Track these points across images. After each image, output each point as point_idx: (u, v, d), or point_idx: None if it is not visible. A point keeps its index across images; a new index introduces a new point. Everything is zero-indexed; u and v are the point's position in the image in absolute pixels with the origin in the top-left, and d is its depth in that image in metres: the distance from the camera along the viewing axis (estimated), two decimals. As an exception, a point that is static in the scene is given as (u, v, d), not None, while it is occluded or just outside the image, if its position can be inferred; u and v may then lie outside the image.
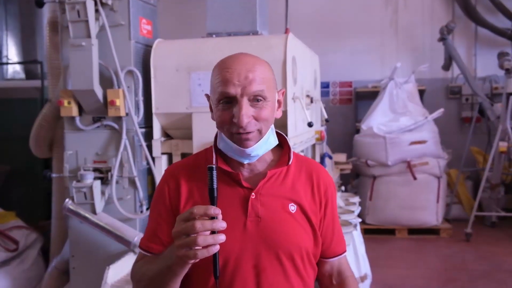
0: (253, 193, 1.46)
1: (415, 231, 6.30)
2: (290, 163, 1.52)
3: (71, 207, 3.24)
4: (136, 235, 3.17)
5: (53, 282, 3.67)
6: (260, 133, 1.42)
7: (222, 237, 1.22)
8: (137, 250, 3.12)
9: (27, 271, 3.93)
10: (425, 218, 6.27)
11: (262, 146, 1.44)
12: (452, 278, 4.84)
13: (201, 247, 1.20)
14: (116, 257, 3.13)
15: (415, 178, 6.19)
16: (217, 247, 1.22)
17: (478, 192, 6.20)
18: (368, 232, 6.24)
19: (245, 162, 1.46)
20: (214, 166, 1.27)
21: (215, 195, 1.27)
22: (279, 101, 1.52)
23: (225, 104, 1.40)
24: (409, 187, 6.24)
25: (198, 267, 1.36)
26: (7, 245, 3.85)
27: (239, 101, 1.38)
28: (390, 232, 6.34)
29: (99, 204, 3.25)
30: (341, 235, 1.66)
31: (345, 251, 1.66)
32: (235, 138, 1.41)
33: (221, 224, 1.22)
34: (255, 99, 1.40)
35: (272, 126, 1.47)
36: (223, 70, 1.40)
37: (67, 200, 3.26)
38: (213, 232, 1.22)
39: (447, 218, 6.63)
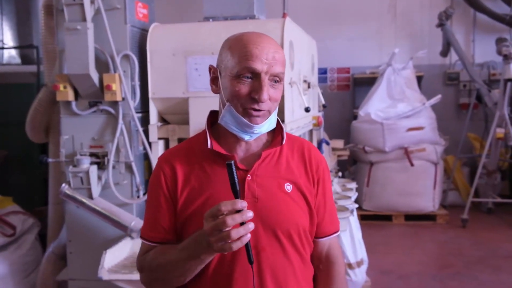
0: (249, 175, 1.47)
1: (412, 217, 6.32)
2: (283, 142, 1.54)
3: (67, 192, 3.24)
4: (132, 220, 3.17)
5: (50, 267, 3.68)
6: (269, 113, 1.45)
7: (251, 226, 1.27)
8: (134, 234, 3.14)
9: (24, 256, 3.94)
10: (421, 204, 6.30)
11: (266, 125, 1.46)
12: (448, 264, 4.87)
13: (235, 240, 1.25)
14: (113, 242, 3.14)
15: (412, 165, 6.20)
16: (249, 236, 1.27)
17: (475, 179, 6.22)
18: (365, 218, 6.26)
19: (246, 138, 1.48)
20: (232, 162, 1.31)
21: (238, 188, 1.31)
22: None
23: (246, 79, 1.41)
24: (406, 173, 6.26)
25: None
26: (4, 230, 3.85)
27: (263, 79, 1.40)
28: (387, 218, 6.37)
29: (95, 189, 3.24)
30: (334, 214, 1.66)
31: (337, 231, 1.65)
32: (247, 112, 1.42)
33: (249, 214, 1.27)
34: (274, 80, 1.42)
35: (277, 108, 1.50)
36: (251, 45, 1.41)
37: (63, 185, 3.26)
38: (241, 224, 1.26)
39: (443, 204, 6.66)
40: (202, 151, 1.52)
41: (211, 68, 1.53)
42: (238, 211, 1.26)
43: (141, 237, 1.58)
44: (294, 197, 1.51)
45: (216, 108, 1.57)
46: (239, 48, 1.42)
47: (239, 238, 1.26)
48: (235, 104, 1.43)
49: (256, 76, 1.40)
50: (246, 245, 1.31)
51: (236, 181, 1.30)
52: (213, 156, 1.50)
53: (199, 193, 1.48)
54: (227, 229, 1.25)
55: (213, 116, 1.58)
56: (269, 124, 1.48)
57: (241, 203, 1.26)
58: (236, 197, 1.31)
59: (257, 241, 1.45)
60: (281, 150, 1.55)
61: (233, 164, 1.30)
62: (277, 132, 1.56)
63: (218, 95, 1.51)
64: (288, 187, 1.51)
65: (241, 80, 1.41)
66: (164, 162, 1.55)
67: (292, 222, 1.49)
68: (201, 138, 1.55)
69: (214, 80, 1.52)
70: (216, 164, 1.50)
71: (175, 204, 1.50)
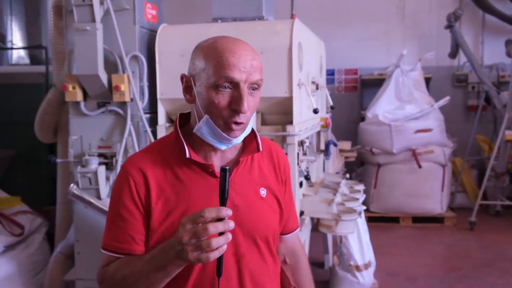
0: None
1: (419, 219, 6.29)
2: (260, 149, 1.51)
3: (76, 192, 3.25)
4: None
5: (58, 266, 3.69)
6: (247, 123, 1.42)
7: (229, 236, 1.22)
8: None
9: (32, 256, 3.95)
10: (429, 206, 6.27)
11: (243, 135, 1.44)
12: (456, 267, 4.85)
13: (213, 249, 1.19)
14: (121, 242, 3.14)
15: (420, 166, 6.17)
16: (226, 247, 1.22)
17: (483, 181, 6.18)
18: (372, 220, 6.24)
19: (223, 148, 1.44)
20: (227, 168, 1.24)
21: (226, 196, 1.25)
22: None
23: (224, 89, 1.35)
24: (414, 175, 6.23)
25: None
26: (13, 230, 3.86)
27: (242, 88, 1.34)
28: (395, 220, 6.34)
29: (103, 189, 3.25)
30: (295, 211, 1.72)
31: (298, 227, 1.72)
32: (228, 126, 1.37)
33: (231, 224, 1.22)
34: (252, 87, 1.38)
35: (254, 114, 1.47)
36: (228, 53, 1.35)
37: (72, 185, 3.27)
38: (220, 234, 1.21)
39: (451, 207, 6.62)
40: (175, 157, 1.44)
41: (183, 77, 1.47)
42: (219, 219, 1.21)
43: (103, 247, 1.44)
44: (268, 201, 1.52)
45: None
46: (214, 56, 1.36)
47: (217, 249, 1.20)
48: (215, 117, 1.37)
49: (235, 86, 1.35)
50: (220, 257, 1.25)
51: (227, 188, 1.25)
52: (189, 164, 1.43)
53: (176, 205, 1.40)
54: (207, 237, 1.18)
55: (182, 119, 1.51)
56: (246, 133, 1.45)
57: (226, 211, 1.21)
58: (222, 205, 1.25)
59: (237, 248, 1.44)
60: (253, 156, 1.53)
61: (228, 170, 1.24)
62: (249, 137, 1.52)
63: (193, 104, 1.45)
64: (263, 192, 1.51)
65: (219, 90, 1.35)
66: (133, 168, 1.43)
67: (269, 228, 1.51)
68: (170, 143, 1.48)
69: (187, 89, 1.45)
70: (192, 172, 1.43)
71: (148, 214, 1.40)
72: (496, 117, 6.88)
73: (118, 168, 3.22)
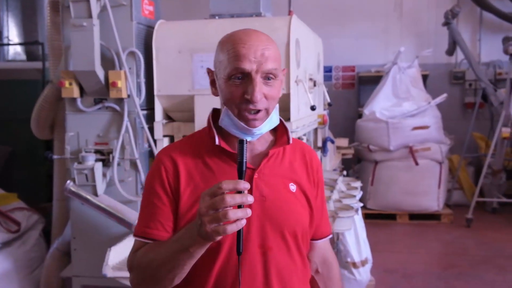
0: (256, 173, 1.44)
1: (416, 216, 6.31)
2: (290, 142, 1.51)
3: (72, 188, 3.24)
4: (137, 218, 3.16)
5: (54, 263, 3.69)
6: (267, 112, 1.41)
7: (249, 211, 1.19)
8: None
9: (28, 252, 3.94)
10: (426, 203, 6.28)
11: (267, 125, 1.43)
12: (453, 264, 4.86)
13: (230, 222, 1.17)
14: (117, 239, 3.13)
15: (417, 164, 6.18)
16: (244, 221, 1.19)
17: (480, 178, 6.20)
18: (369, 217, 6.25)
19: (248, 139, 1.42)
20: (245, 139, 1.25)
21: (244, 169, 1.24)
22: (281, 81, 1.49)
23: (237, 80, 1.37)
24: (411, 172, 6.24)
25: (203, 254, 1.32)
26: (9, 226, 3.85)
27: (253, 78, 1.36)
28: (391, 217, 6.35)
29: (100, 186, 3.24)
30: (327, 217, 1.68)
31: (330, 234, 1.68)
32: (243, 115, 1.39)
33: (250, 198, 1.20)
34: (267, 77, 1.38)
35: (277, 105, 1.46)
36: (238, 44, 1.37)
37: (68, 181, 3.26)
38: (239, 207, 1.20)
39: (448, 204, 6.64)
40: (206, 147, 1.48)
41: (209, 72, 1.50)
42: (239, 193, 1.20)
43: (135, 234, 1.48)
44: (298, 197, 1.50)
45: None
46: (227, 48, 1.39)
47: (235, 221, 1.18)
48: (231, 107, 1.40)
49: (246, 76, 1.36)
50: (239, 233, 1.25)
51: (245, 160, 1.24)
52: (218, 153, 1.46)
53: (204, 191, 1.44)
54: (223, 209, 1.17)
55: (216, 114, 1.53)
56: (270, 123, 1.44)
57: (244, 184, 1.20)
58: (240, 177, 1.24)
59: (264, 240, 1.43)
60: (285, 151, 1.53)
61: (245, 142, 1.24)
62: (280, 131, 1.54)
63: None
64: (293, 187, 1.49)
65: (233, 81, 1.37)
66: (165, 156, 1.48)
67: (298, 222, 1.48)
68: (204, 135, 1.51)
69: (212, 83, 1.49)
70: (221, 162, 1.45)
71: (177, 201, 1.44)
72: (493, 115, 6.90)
73: (115, 165, 3.22)
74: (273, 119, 1.46)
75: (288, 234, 1.45)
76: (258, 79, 1.36)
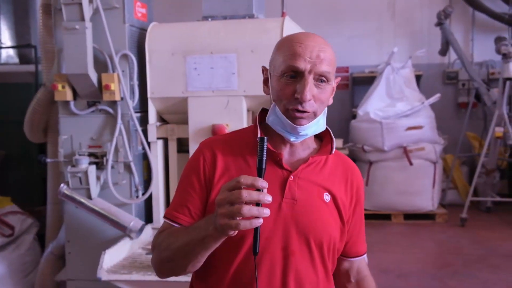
0: (291, 176, 1.44)
1: (411, 216, 6.32)
2: (333, 152, 1.50)
3: (66, 192, 3.23)
4: (131, 220, 3.16)
5: (49, 267, 3.67)
6: (315, 115, 1.40)
7: (267, 211, 1.17)
8: (133, 234, 3.14)
9: (23, 256, 3.93)
10: (420, 203, 6.29)
11: (313, 127, 1.42)
12: (447, 263, 4.87)
13: (244, 218, 1.16)
14: (112, 242, 3.13)
15: (411, 164, 6.19)
16: (261, 221, 1.17)
17: (474, 178, 6.22)
18: (364, 217, 6.24)
19: (292, 139, 1.43)
20: (266, 137, 1.24)
21: (264, 167, 1.23)
22: (333, 88, 1.48)
23: (290, 78, 1.38)
24: (405, 172, 6.25)
25: (224, 246, 1.32)
26: (3, 230, 3.84)
27: (306, 77, 1.36)
28: (386, 217, 6.36)
29: (94, 189, 3.24)
30: (364, 236, 1.67)
31: (365, 253, 1.67)
32: (290, 114, 1.38)
33: (268, 198, 1.17)
34: (320, 79, 1.38)
35: (325, 110, 1.44)
36: (295, 43, 1.39)
37: (62, 185, 3.25)
38: (257, 205, 1.18)
39: (442, 203, 6.65)
40: (248, 145, 1.48)
41: (263, 70, 1.51)
42: (258, 190, 1.18)
43: (164, 216, 1.50)
44: (330, 208, 1.48)
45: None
46: (285, 47, 1.41)
47: (249, 219, 1.16)
48: (280, 105, 1.40)
49: (299, 75, 1.37)
50: (255, 232, 1.23)
51: (264, 159, 1.23)
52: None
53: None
54: (239, 203, 1.16)
55: (263, 115, 1.52)
56: (316, 126, 1.43)
57: (262, 182, 1.18)
58: (260, 175, 1.22)
59: (287, 243, 1.41)
60: (327, 161, 1.52)
61: (265, 140, 1.23)
62: (326, 141, 1.54)
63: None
64: (327, 197, 1.47)
65: (286, 79, 1.38)
66: (206, 147, 1.50)
67: (326, 232, 1.45)
68: (248, 132, 1.52)
69: (265, 81, 1.50)
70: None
71: (209, 190, 1.44)
72: (486, 114, 6.92)
73: (109, 168, 3.21)
74: (320, 123, 1.45)
75: (313, 242, 1.43)
76: (310, 79, 1.36)
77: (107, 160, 3.24)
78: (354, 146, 6.57)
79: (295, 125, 1.39)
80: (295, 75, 1.37)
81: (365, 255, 1.67)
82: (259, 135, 1.44)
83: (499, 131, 6.09)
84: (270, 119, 1.45)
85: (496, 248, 5.27)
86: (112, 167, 3.25)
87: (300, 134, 1.42)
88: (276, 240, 1.40)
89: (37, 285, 3.72)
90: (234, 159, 1.46)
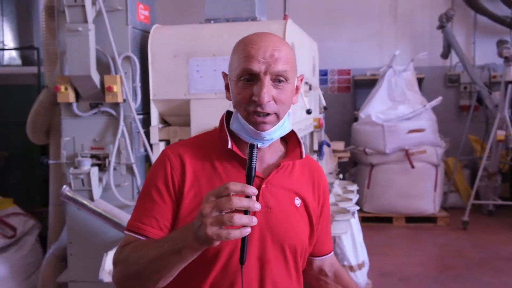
0: (264, 183, 1.40)
1: (413, 219, 6.31)
2: (303, 156, 1.47)
3: (68, 193, 3.23)
4: (133, 222, 3.16)
5: (51, 268, 3.67)
6: (278, 117, 1.36)
7: (255, 220, 1.12)
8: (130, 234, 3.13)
9: (24, 258, 3.93)
10: (422, 206, 6.29)
11: (277, 130, 1.38)
12: (449, 266, 4.87)
13: (234, 227, 1.10)
14: (114, 243, 3.13)
15: (412, 167, 6.19)
16: (249, 230, 1.12)
17: (476, 181, 6.21)
18: (366, 220, 6.25)
19: (258, 145, 1.36)
20: (256, 144, 1.19)
21: (253, 174, 1.18)
22: (297, 87, 1.45)
23: (246, 82, 1.33)
24: (407, 175, 6.25)
25: (196, 261, 1.24)
26: (5, 232, 3.84)
27: (262, 79, 1.31)
28: (388, 220, 6.35)
29: (96, 190, 3.24)
30: (330, 234, 1.70)
31: (332, 250, 1.70)
32: (251, 119, 1.34)
33: (257, 205, 1.12)
34: (277, 80, 1.33)
35: (289, 111, 1.41)
36: (248, 45, 1.34)
37: (64, 186, 3.25)
38: (245, 213, 1.13)
39: (444, 207, 6.65)
40: (216, 150, 1.43)
41: (224, 76, 1.46)
42: (247, 197, 1.13)
43: (127, 229, 1.39)
44: (301, 213, 1.47)
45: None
46: (239, 50, 1.36)
47: (239, 228, 1.10)
48: (240, 110, 1.36)
49: (255, 77, 1.32)
50: (244, 241, 1.18)
51: (254, 166, 1.18)
52: (228, 157, 1.41)
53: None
54: (229, 211, 1.10)
55: (229, 116, 1.47)
56: (281, 129, 1.40)
57: (252, 189, 1.12)
58: (249, 183, 1.17)
59: (263, 252, 1.39)
60: (294, 164, 1.49)
61: (256, 146, 1.18)
62: (292, 143, 1.50)
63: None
64: (298, 202, 1.46)
65: (242, 83, 1.34)
66: (173, 153, 1.42)
67: (299, 238, 1.45)
68: (214, 137, 1.47)
69: (226, 87, 1.44)
70: (231, 166, 1.40)
71: (179, 202, 1.37)
72: (488, 117, 6.91)
73: (111, 169, 3.22)
74: (285, 126, 1.41)
75: (287, 249, 1.42)
76: (266, 81, 1.32)
77: (109, 162, 3.24)
78: (355, 149, 6.56)
79: (258, 131, 1.35)
80: (251, 78, 1.33)
81: (332, 253, 1.69)
82: (229, 144, 1.39)
83: (501, 134, 6.08)
84: (233, 126, 1.40)
85: (498, 251, 5.26)
86: (114, 169, 3.26)
87: (265, 139, 1.38)
88: (252, 250, 1.37)
89: (39, 286, 3.72)
90: (203, 167, 1.40)
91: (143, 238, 1.35)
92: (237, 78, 1.35)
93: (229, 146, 1.40)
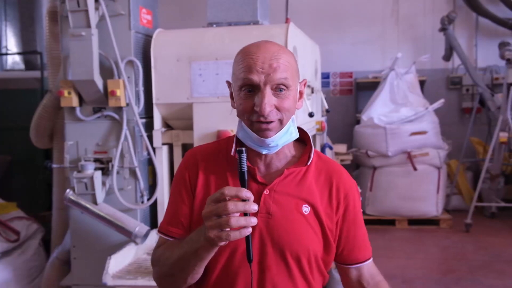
0: (266, 189, 1.42)
1: (415, 221, 6.30)
2: (309, 163, 1.47)
3: (72, 197, 3.24)
4: (137, 226, 3.18)
5: (54, 272, 3.68)
6: (281, 123, 1.37)
7: (254, 220, 1.20)
8: (138, 240, 3.15)
9: (28, 262, 3.94)
10: (425, 208, 6.28)
11: (282, 137, 1.39)
12: (452, 269, 4.86)
13: (233, 229, 1.19)
14: (117, 247, 3.14)
15: (415, 169, 6.19)
16: (250, 230, 1.21)
17: (478, 183, 6.20)
18: (368, 222, 6.24)
19: (264, 152, 1.41)
20: (244, 149, 1.26)
21: (246, 178, 1.27)
22: (300, 92, 1.46)
23: (247, 92, 1.36)
24: (409, 178, 6.24)
25: None
26: (8, 236, 3.85)
27: (262, 90, 1.34)
28: (390, 222, 6.35)
29: (100, 194, 3.25)
30: (366, 241, 1.60)
31: (370, 258, 1.60)
32: (255, 127, 1.37)
33: (254, 207, 1.20)
34: (278, 88, 1.35)
35: (293, 117, 1.42)
36: (247, 56, 1.36)
37: (68, 190, 3.26)
38: (244, 215, 1.21)
39: (447, 209, 6.64)
40: (227, 158, 1.48)
41: (228, 85, 1.49)
42: (243, 201, 1.20)
43: (159, 231, 1.52)
44: (310, 221, 1.43)
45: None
46: (239, 61, 1.38)
47: (238, 229, 1.19)
48: (244, 119, 1.39)
49: (256, 88, 1.35)
50: (248, 241, 1.26)
51: (245, 170, 1.26)
52: (234, 163, 1.40)
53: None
54: (226, 215, 1.18)
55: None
56: (285, 135, 1.40)
57: (246, 192, 1.20)
58: (243, 186, 1.25)
59: (263, 258, 1.40)
60: (307, 170, 1.47)
61: (244, 151, 1.26)
62: (306, 150, 1.50)
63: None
64: (306, 209, 1.43)
65: (244, 94, 1.36)
66: (192, 158, 1.52)
67: (303, 245, 1.42)
68: (229, 143, 1.51)
69: (231, 95, 1.47)
70: (235, 172, 1.38)
71: (194, 199, 1.47)
72: (490, 119, 6.91)
73: (115, 173, 3.23)
74: (290, 132, 1.42)
75: (289, 256, 1.41)
76: (267, 91, 1.34)
77: (112, 166, 3.26)
78: (358, 152, 6.57)
79: (262, 138, 1.37)
80: (252, 89, 1.35)
81: (368, 261, 1.59)
82: (232, 151, 1.45)
83: (503, 136, 6.08)
84: (239, 135, 1.43)
85: (501, 253, 5.25)
86: (118, 172, 3.27)
87: (270, 146, 1.39)
88: (252, 255, 1.36)
89: (42, 290, 3.73)
90: (215, 173, 1.47)
91: (171, 239, 1.48)
92: (239, 89, 1.38)
93: (232, 153, 1.46)
